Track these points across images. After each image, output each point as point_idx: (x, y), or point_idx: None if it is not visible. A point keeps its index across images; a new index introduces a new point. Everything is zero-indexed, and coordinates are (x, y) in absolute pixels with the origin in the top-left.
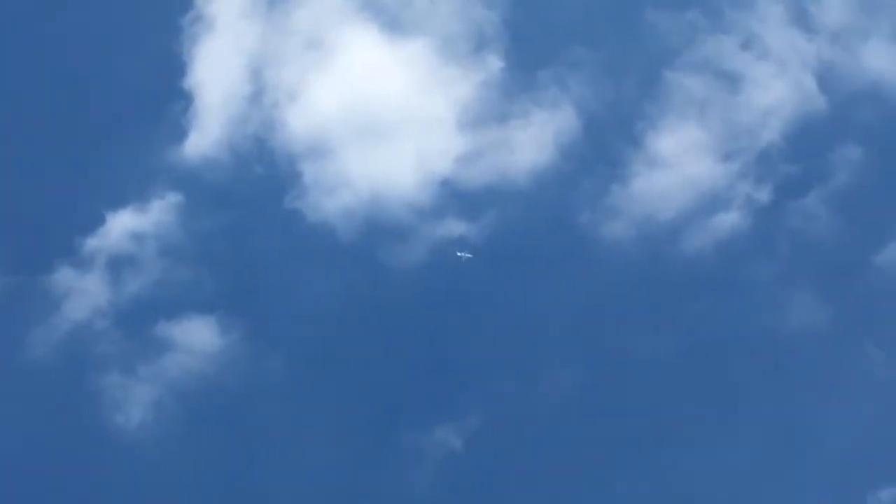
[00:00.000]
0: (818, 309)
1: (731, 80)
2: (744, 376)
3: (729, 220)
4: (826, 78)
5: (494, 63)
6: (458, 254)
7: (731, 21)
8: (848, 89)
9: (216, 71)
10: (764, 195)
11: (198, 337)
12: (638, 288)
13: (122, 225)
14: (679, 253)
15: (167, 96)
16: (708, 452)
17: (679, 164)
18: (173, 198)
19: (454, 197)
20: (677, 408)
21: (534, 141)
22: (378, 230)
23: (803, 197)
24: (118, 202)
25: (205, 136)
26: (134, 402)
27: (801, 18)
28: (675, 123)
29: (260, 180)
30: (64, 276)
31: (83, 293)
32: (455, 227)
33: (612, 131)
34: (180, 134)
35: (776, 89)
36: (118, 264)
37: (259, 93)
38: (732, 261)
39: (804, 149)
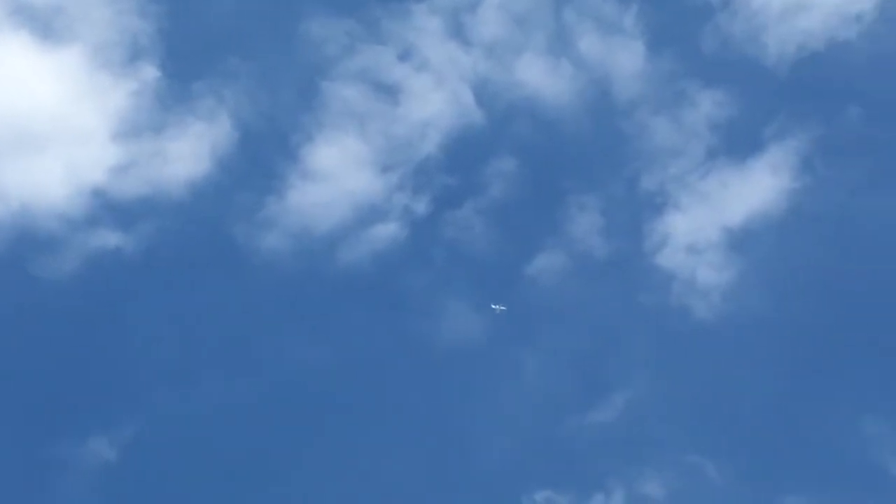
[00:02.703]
0: (473, 318)
1: (390, 92)
2: (400, 385)
3: (386, 232)
4: (482, 91)
5: (149, 72)
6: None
7: (389, 31)
8: (503, 102)
9: None
10: (421, 206)
11: None
12: (294, 299)
13: None
14: (336, 265)
15: None
16: (363, 461)
17: (336, 176)
18: None
19: (107, 208)
20: (334, 417)
21: (189, 152)
22: (29, 241)
23: (459, 208)
24: None
25: None
26: None
27: (458, 31)
28: (333, 135)
29: None
30: None
31: None
32: (109, 239)
33: (269, 143)
34: None
35: (434, 102)
36: None
37: None
38: (389, 272)
39: (461, 161)
